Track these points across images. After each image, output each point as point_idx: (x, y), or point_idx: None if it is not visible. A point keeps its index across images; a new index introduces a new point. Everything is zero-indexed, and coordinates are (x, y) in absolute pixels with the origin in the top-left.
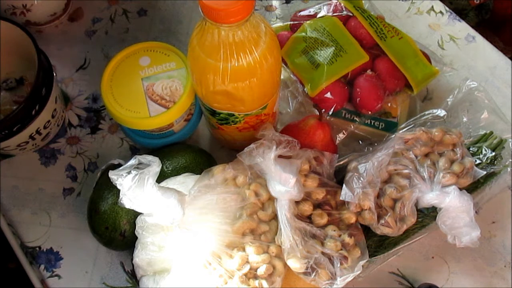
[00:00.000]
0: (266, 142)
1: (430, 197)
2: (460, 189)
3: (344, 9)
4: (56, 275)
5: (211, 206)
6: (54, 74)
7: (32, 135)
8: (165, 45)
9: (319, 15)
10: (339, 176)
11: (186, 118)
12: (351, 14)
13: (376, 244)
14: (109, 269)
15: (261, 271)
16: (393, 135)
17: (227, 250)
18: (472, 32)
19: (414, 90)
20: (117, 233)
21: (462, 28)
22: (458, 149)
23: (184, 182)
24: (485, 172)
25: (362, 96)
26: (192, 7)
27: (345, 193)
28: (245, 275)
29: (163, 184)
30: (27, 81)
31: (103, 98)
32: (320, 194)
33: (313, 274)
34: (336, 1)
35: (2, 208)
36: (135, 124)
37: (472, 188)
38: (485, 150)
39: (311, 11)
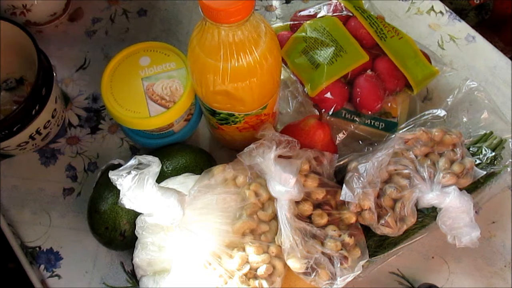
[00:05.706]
0: (266, 142)
1: (430, 197)
2: (460, 189)
3: (344, 9)
4: (56, 275)
5: (211, 206)
6: (54, 74)
7: (32, 135)
8: (165, 45)
9: (319, 15)
10: (339, 176)
11: (186, 118)
12: (351, 14)
13: (376, 244)
14: (109, 269)
15: (261, 271)
16: (393, 135)
17: (227, 250)
18: (472, 32)
19: (414, 90)
20: (117, 233)
21: (462, 28)
22: (458, 149)
23: (184, 182)
24: (485, 172)
25: (362, 96)
26: (192, 7)
27: (345, 193)
28: (245, 275)
29: (163, 184)
30: (27, 81)
31: (103, 98)
32: (320, 194)
33: (313, 274)
34: (336, 1)
35: (2, 208)
36: (135, 124)
37: (472, 188)
38: (485, 150)
39: (311, 11)
